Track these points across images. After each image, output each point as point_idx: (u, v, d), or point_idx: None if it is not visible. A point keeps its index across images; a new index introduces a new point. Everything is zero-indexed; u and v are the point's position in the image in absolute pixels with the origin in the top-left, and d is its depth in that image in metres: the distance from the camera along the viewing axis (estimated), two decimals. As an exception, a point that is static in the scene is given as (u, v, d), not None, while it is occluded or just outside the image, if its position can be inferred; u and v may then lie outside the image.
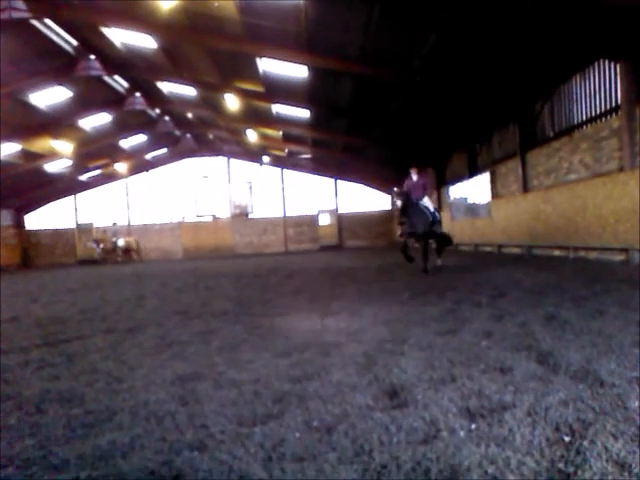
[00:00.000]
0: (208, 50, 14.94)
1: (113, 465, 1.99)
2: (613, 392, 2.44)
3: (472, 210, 19.29)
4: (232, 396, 2.79)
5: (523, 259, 12.72)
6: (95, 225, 31.09)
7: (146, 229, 32.53)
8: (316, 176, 32.51)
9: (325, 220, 32.57)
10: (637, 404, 2.27)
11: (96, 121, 22.41)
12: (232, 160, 32.82)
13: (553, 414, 2.21)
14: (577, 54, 10.92)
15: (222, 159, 32.82)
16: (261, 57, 14.39)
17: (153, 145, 28.98)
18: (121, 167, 29.03)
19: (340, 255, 21.85)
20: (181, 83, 18.70)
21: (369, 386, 2.83)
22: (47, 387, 3.19)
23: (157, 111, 23.55)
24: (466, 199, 19.95)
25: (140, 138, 27.05)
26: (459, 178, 20.39)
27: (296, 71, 14.91)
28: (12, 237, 29.47)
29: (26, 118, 19.46)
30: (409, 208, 9.54)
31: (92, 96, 19.67)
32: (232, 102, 18.41)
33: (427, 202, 10.11)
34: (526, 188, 14.72)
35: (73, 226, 31.76)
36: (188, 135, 27.55)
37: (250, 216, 32.80)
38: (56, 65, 16.60)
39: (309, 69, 14.42)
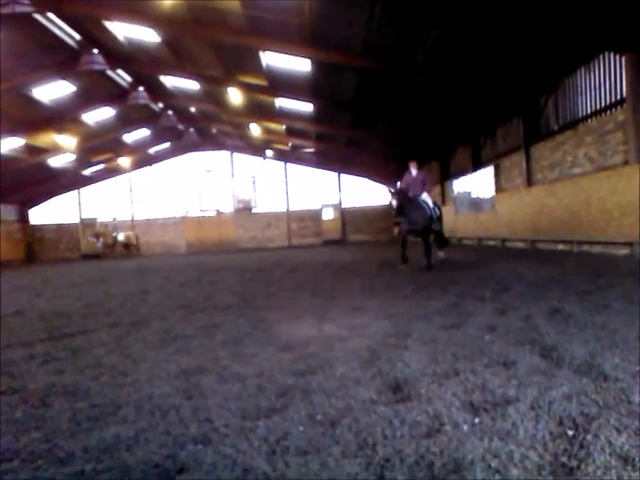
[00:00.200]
0: (211, 44, 14.90)
1: (118, 458, 2.01)
2: (617, 386, 2.44)
3: (476, 204, 19.22)
4: (236, 390, 2.80)
5: (527, 253, 12.69)
6: (99, 220, 31.18)
7: (150, 223, 32.61)
8: (319, 170, 32.47)
9: (329, 214, 32.54)
10: (641, 398, 2.26)
11: (99, 115, 22.42)
12: (235, 154, 32.80)
13: (557, 408, 2.21)
14: (582, 46, 10.84)
15: (225, 153, 32.81)
16: (264, 51, 14.34)
17: (156, 139, 28.99)
18: (124, 161, 29.06)
19: (343, 249, 21.85)
20: (184, 77, 18.66)
21: (373, 380, 2.83)
22: (52, 381, 3.20)
23: (160, 105, 23.53)
24: (470, 193, 19.87)
25: (143, 132, 27.04)
26: (463, 172, 20.32)
27: (299, 65, 14.86)
28: (16, 232, 29.58)
29: (29, 112, 19.48)
30: (406, 205, 9.17)
31: (95, 90, 19.68)
32: (235, 96, 18.37)
33: (426, 197, 9.79)
34: (530, 182, 14.67)
35: (77, 221, 31.88)
36: (191, 129, 27.56)
37: (253, 210, 32.81)
38: (59, 59, 16.58)
39: (312, 63, 14.35)
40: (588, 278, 6.57)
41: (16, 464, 2.03)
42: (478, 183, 18.73)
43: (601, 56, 10.98)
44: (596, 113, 11.35)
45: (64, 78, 17.80)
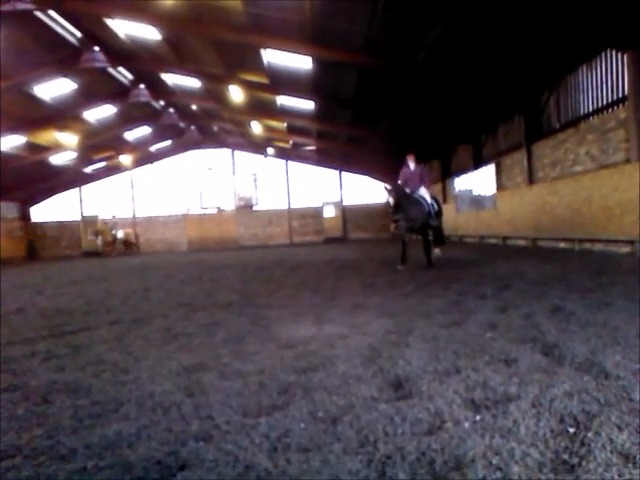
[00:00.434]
0: (212, 41, 14.88)
1: (120, 455, 2.01)
2: (618, 384, 2.43)
3: (477, 202, 19.20)
4: (237, 387, 2.81)
5: (528, 251, 12.68)
6: (100, 217, 31.20)
7: (151, 221, 32.62)
8: (320, 168, 32.44)
9: (330, 212, 32.54)
10: (642, 396, 2.26)
11: (101, 113, 22.39)
12: (237, 152, 32.77)
13: (558, 406, 2.21)
14: (584, 44, 10.80)
15: (227, 151, 32.78)
16: (265, 48, 14.32)
17: (158, 137, 28.97)
18: (126, 159, 29.04)
19: (344, 247, 21.85)
20: (185, 75, 18.65)
21: (374, 377, 2.83)
22: (54, 378, 3.21)
23: (161, 103, 23.52)
24: (471, 191, 19.85)
25: (145, 130, 27.03)
26: (464, 170, 20.30)
27: (300, 62, 14.84)
28: (18, 229, 29.60)
29: (31, 110, 19.47)
30: (403, 201, 8.92)
31: (96, 88, 19.66)
32: (236, 94, 18.34)
33: (424, 192, 9.59)
34: (531, 180, 14.65)
35: (78, 218, 31.90)
36: (192, 127, 27.52)
37: (255, 208, 32.80)
38: (60, 57, 16.56)
39: (313, 60, 14.33)
40: (589, 276, 6.57)
41: (18, 461, 2.03)
42: (479, 181, 18.70)
43: (603, 54, 10.95)
44: (598, 111, 11.32)
45: (65, 76, 17.77)
